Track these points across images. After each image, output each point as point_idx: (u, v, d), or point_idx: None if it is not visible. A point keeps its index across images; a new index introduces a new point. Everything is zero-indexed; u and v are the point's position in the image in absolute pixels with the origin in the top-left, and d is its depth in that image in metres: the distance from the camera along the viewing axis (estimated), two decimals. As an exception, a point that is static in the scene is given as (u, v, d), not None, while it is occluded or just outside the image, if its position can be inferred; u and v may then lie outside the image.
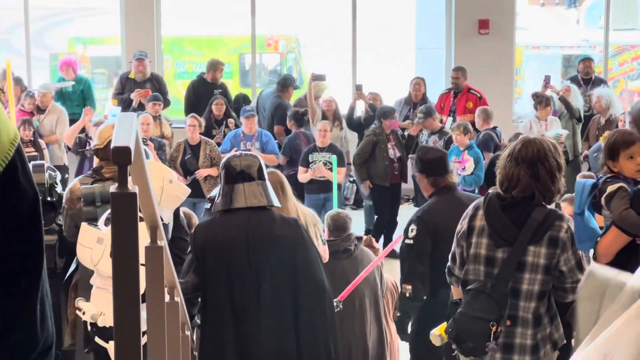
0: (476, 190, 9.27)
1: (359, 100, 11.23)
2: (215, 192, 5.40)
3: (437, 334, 5.00)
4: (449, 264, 4.83)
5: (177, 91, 13.09)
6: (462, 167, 9.37)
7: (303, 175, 9.60)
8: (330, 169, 9.36)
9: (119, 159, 1.78)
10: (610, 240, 4.72)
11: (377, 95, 11.28)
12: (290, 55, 16.26)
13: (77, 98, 11.59)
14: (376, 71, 14.10)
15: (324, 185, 9.40)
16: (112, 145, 1.80)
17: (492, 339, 4.49)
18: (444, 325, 4.85)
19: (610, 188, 4.68)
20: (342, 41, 14.43)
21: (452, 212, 5.31)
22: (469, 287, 4.59)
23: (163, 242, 2.41)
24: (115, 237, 1.79)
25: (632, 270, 2.68)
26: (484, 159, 9.59)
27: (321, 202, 9.45)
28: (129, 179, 1.81)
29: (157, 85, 11.35)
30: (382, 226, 9.83)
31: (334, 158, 8.90)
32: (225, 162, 4.93)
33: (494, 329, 4.48)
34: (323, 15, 18.80)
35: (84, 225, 4.66)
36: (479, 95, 11.10)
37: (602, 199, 4.71)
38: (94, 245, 4.62)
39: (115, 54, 13.83)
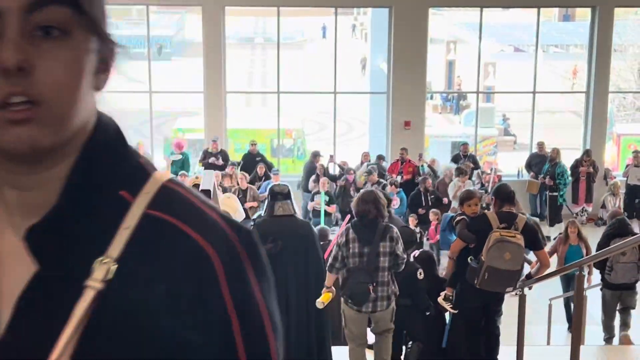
0: (401, 217, 14.86)
1: (331, 162, 16.04)
2: (257, 214, 8.42)
3: (320, 301, 6.53)
4: (330, 262, 6.45)
5: (235, 158, 16.51)
6: (394, 204, 13.68)
7: (310, 204, 14.57)
8: (326, 204, 14.30)
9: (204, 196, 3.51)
10: (456, 244, 6.83)
11: (345, 162, 16.13)
12: (299, 139, 21.84)
13: (180, 163, 15.98)
14: (345, 147, 18.63)
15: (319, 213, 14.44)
16: (200, 188, 3.15)
17: (370, 292, 6.24)
18: (327, 294, 6.48)
19: (458, 218, 6.87)
20: (326, 131, 19.45)
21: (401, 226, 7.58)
22: (352, 268, 6.29)
23: None
24: None
25: (467, 255, 6.47)
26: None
27: (318, 220, 13.70)
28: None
29: (223, 155, 15.86)
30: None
31: (326, 197, 14.83)
32: (270, 188, 7.05)
33: (370, 287, 6.23)
34: (316, 116, 25.29)
35: None
36: (415, 164, 15.76)
37: (454, 223, 6.99)
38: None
39: (201, 137, 18.26)
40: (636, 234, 8.75)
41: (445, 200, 14.43)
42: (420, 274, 7.03)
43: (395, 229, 6.40)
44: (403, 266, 6.45)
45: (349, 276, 6.37)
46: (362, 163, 15.98)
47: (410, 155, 16.21)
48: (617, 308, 9.30)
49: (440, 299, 7.00)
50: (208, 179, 2.43)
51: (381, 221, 6.35)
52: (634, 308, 9.32)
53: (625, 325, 9.24)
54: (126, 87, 30.71)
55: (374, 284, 6.27)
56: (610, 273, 9.03)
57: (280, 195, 6.88)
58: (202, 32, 17.25)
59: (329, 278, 6.56)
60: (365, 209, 6.33)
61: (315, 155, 16.31)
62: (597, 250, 8.51)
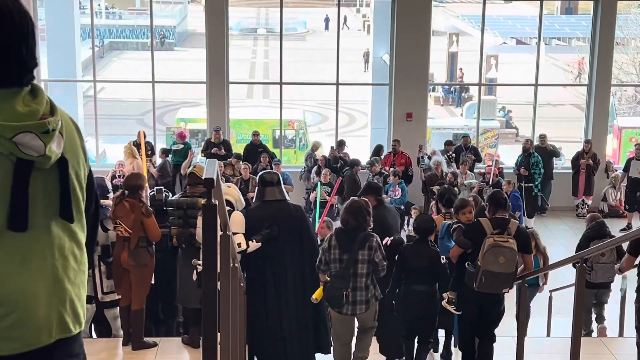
0: (402, 207, 14.37)
1: (332, 154, 15.87)
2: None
3: (314, 297, 6.96)
4: (317, 263, 6.80)
5: (237, 149, 16.85)
6: (395, 194, 14.52)
7: (312, 195, 14.59)
8: (328, 194, 14.10)
9: (208, 184, 2.40)
10: (454, 250, 7.13)
11: (346, 153, 16.12)
12: (301, 130, 21.93)
13: (182, 153, 15.85)
14: (346, 139, 18.09)
15: (322, 204, 13.74)
16: (203, 177, 2.45)
17: (344, 297, 6.62)
18: (319, 291, 6.85)
19: (455, 226, 7.27)
20: (328, 122, 19.28)
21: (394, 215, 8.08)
22: (332, 274, 6.67)
23: (229, 231, 3.17)
24: (205, 225, 2.47)
25: (465, 260, 6.73)
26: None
27: (321, 212, 12.81)
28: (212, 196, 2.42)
29: (225, 146, 15.87)
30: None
31: (327, 188, 14.63)
32: (260, 175, 7.42)
33: (345, 292, 6.61)
34: (318, 107, 25.29)
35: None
36: (407, 155, 15.92)
37: (451, 231, 7.32)
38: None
39: (203, 128, 18.59)
40: (614, 236, 9.24)
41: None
42: (443, 258, 7.26)
43: (376, 238, 6.65)
44: (384, 272, 6.74)
45: (329, 281, 6.73)
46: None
47: (411, 147, 16.23)
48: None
49: (444, 302, 7.31)
50: (211, 167, 2.45)
51: (362, 230, 6.61)
52: (607, 303, 9.93)
53: (600, 317, 9.86)
54: (129, 77, 30.92)
55: (349, 290, 6.60)
56: (590, 273, 9.41)
57: (269, 182, 7.16)
58: (205, 22, 17.26)
59: (321, 276, 6.91)
60: (345, 218, 6.68)
61: (316, 147, 16.42)
62: (576, 251, 8.92)
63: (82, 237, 2.25)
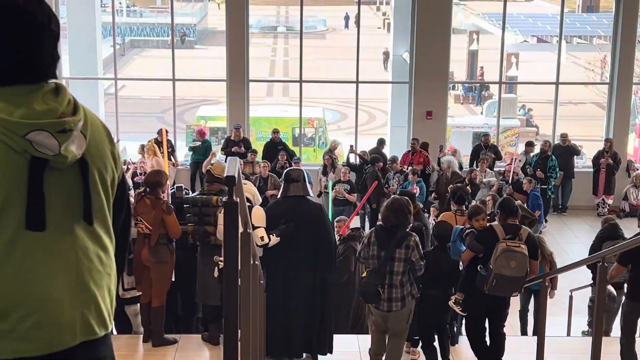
0: (421, 205, 14.94)
1: (352, 153, 16.00)
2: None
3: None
4: (357, 255, 7.20)
5: (256, 147, 16.65)
6: (414, 192, 15.22)
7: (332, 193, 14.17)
8: (348, 192, 14.19)
9: (229, 182, 2.44)
10: (466, 254, 7.28)
11: (365, 151, 15.98)
12: (320, 128, 21.87)
13: (201, 150, 16.01)
14: (366, 137, 18.67)
15: (341, 201, 14.29)
16: (225, 174, 2.50)
17: (378, 293, 6.73)
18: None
19: (468, 231, 7.36)
20: (347, 121, 19.12)
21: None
22: (369, 269, 6.84)
23: (250, 229, 3.25)
24: (226, 222, 2.53)
25: (476, 264, 7.00)
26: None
27: (340, 210, 13.59)
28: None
29: (245, 144, 15.95)
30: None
31: (347, 186, 14.47)
32: (286, 172, 7.58)
33: (379, 288, 6.75)
34: (337, 105, 25.22)
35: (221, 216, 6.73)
36: (426, 154, 15.73)
37: (464, 235, 7.40)
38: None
39: (223, 125, 18.56)
40: (627, 238, 9.19)
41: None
42: (461, 266, 7.49)
43: (414, 238, 6.77)
44: (421, 272, 6.90)
45: (365, 276, 6.85)
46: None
47: (431, 145, 16.16)
48: None
49: (451, 302, 7.47)
50: (232, 165, 2.46)
51: (401, 229, 6.72)
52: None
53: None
54: (150, 75, 31.01)
55: (384, 286, 6.70)
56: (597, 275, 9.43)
57: (294, 179, 7.25)
58: (226, 20, 17.28)
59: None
60: (386, 215, 6.80)
61: (334, 145, 16.37)
62: (590, 253, 9.09)
63: (108, 240, 2.23)
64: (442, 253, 7.65)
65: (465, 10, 38.49)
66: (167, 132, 14.09)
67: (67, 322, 2.08)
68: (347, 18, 44.12)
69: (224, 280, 2.84)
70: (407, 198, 7.16)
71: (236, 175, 2.67)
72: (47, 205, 2.04)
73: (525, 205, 11.87)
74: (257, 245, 6.96)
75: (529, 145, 16.77)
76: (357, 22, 18.74)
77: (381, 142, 16.77)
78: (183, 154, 17.88)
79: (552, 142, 17.14)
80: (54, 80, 2.13)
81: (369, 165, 15.15)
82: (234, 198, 2.65)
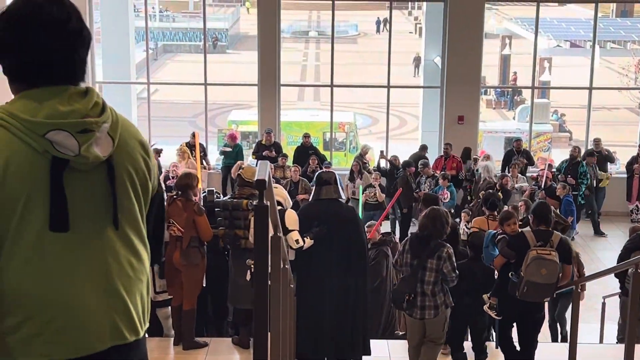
0: (452, 210, 14.10)
1: (382, 159, 15.90)
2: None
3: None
4: (393, 263, 7.44)
5: (287, 151, 16.60)
6: (443, 197, 14.24)
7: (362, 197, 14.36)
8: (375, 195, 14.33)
9: (259, 186, 2.42)
10: (498, 260, 7.38)
11: (396, 156, 15.87)
12: (351, 133, 21.89)
13: (232, 155, 15.98)
14: (397, 141, 18.75)
15: (371, 206, 14.30)
16: (255, 178, 2.45)
17: (407, 301, 6.82)
18: None
19: (499, 237, 7.53)
20: (378, 125, 19.09)
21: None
22: (402, 276, 6.96)
23: (280, 233, 3.20)
24: (256, 226, 2.52)
25: (509, 270, 7.05)
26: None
27: (370, 214, 13.71)
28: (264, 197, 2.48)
29: (276, 148, 15.87)
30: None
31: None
32: (317, 175, 7.52)
33: (407, 297, 6.83)
34: (368, 110, 25.15)
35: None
36: (459, 159, 15.64)
37: (496, 241, 7.61)
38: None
39: (254, 130, 18.65)
40: None
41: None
42: (497, 275, 7.55)
43: (447, 249, 6.76)
44: (454, 283, 6.88)
45: (397, 283, 6.98)
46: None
47: (461, 150, 16.07)
48: None
49: (485, 307, 7.53)
50: (263, 169, 2.47)
51: (436, 239, 6.75)
52: None
53: None
54: (182, 80, 31.16)
55: (413, 295, 6.74)
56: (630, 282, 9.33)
57: (326, 181, 7.17)
58: (258, 25, 17.32)
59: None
60: (423, 224, 6.83)
61: (365, 150, 16.35)
62: (618, 262, 9.03)
63: (140, 246, 2.22)
64: (477, 263, 7.74)
65: (498, 15, 38.29)
66: (198, 135, 14.09)
67: (94, 327, 2.09)
68: (378, 23, 44.08)
69: (254, 283, 2.83)
70: (444, 209, 7.19)
71: (266, 179, 2.66)
72: (72, 207, 2.04)
73: (558, 211, 11.74)
74: (292, 248, 6.98)
75: (590, 155, 16.39)
76: (389, 27, 18.69)
77: (423, 148, 16.61)
78: (215, 158, 17.94)
79: (584, 148, 16.95)
80: (85, 85, 2.14)
81: (401, 169, 15.11)
82: (265, 201, 2.65)
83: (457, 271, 6.83)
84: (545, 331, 9.80)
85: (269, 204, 2.64)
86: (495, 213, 9.29)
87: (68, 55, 2.09)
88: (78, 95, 2.09)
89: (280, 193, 7.46)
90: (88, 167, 2.07)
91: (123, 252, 2.16)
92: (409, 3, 49.57)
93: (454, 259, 6.82)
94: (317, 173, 7.72)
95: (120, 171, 2.14)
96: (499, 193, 13.94)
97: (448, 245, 6.86)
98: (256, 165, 12.17)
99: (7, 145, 1.98)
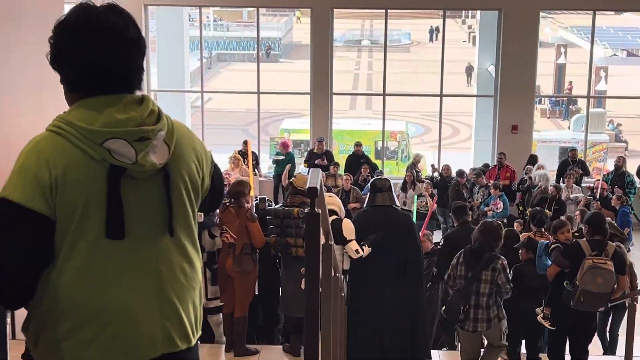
0: (505, 220, 13.66)
1: (435, 172, 16.01)
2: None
3: None
4: (445, 278, 7.16)
5: (339, 159, 16.55)
6: (496, 207, 14.14)
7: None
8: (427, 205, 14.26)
9: (311, 193, 2.49)
10: (552, 269, 7.37)
11: (448, 166, 15.74)
12: (403, 142, 21.83)
13: (284, 163, 15.94)
14: (449, 151, 18.62)
15: (423, 215, 14.03)
16: (307, 186, 2.52)
17: (461, 313, 6.85)
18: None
19: (553, 246, 7.52)
20: (430, 134, 18.96)
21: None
22: (456, 289, 6.93)
23: (331, 241, 3.42)
24: (308, 233, 2.59)
25: (562, 280, 7.03)
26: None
27: (421, 223, 13.18)
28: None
29: (328, 156, 15.82)
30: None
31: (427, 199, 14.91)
32: (372, 182, 7.73)
33: (462, 308, 6.82)
34: (420, 118, 25.04)
35: None
36: (513, 169, 15.49)
37: (549, 250, 7.60)
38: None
39: (306, 138, 18.80)
40: None
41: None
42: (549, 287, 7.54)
43: (502, 261, 6.76)
44: (508, 295, 6.86)
45: (451, 295, 6.93)
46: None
47: (515, 159, 15.93)
48: None
49: (539, 317, 7.52)
50: (315, 177, 2.48)
51: (489, 251, 6.76)
52: None
53: None
54: (235, 88, 31.37)
55: (467, 307, 6.73)
56: None
57: (381, 188, 7.24)
58: (311, 34, 17.37)
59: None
60: (475, 237, 6.86)
61: (417, 159, 16.30)
62: None
63: (194, 253, 2.23)
64: (534, 266, 7.80)
65: (553, 24, 37.81)
66: (251, 143, 14.16)
67: (146, 334, 2.10)
68: (432, 31, 43.87)
69: (306, 291, 2.84)
70: (498, 222, 7.24)
71: (318, 187, 2.65)
72: (127, 215, 2.06)
73: (614, 222, 11.54)
74: (352, 258, 6.99)
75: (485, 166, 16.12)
76: (442, 35, 18.60)
77: (486, 166, 16.39)
78: (267, 166, 18.00)
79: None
80: (141, 93, 2.16)
81: (453, 178, 15.00)
82: (316, 209, 2.67)
83: (511, 283, 6.81)
84: (595, 342, 9.62)
85: (320, 212, 2.67)
86: (543, 230, 9.29)
87: (125, 64, 2.11)
88: (134, 103, 2.12)
89: (334, 202, 7.48)
90: (144, 175, 2.09)
91: (176, 259, 2.16)
92: (463, 11, 49.27)
93: (508, 270, 6.80)
94: (371, 180, 7.75)
95: (176, 179, 2.15)
96: (553, 204, 13.80)
97: (502, 257, 6.86)
98: (308, 174, 12.21)
99: (65, 153, 2.01)
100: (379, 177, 10.04)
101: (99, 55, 2.08)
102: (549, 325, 7.48)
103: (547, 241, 7.99)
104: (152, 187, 2.11)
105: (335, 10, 17.31)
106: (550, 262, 7.48)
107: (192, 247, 2.23)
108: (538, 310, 7.59)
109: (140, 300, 2.09)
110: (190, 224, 2.21)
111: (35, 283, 2.02)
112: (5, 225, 1.98)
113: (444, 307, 7.10)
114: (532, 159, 16.18)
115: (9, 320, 3.71)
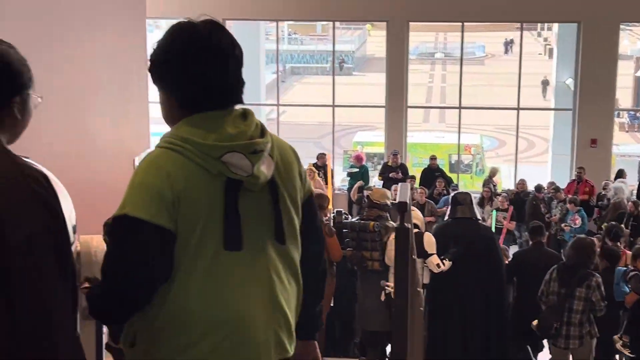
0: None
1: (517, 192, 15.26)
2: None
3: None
4: (539, 294, 7.11)
5: (413, 173, 16.34)
6: (574, 223, 13.79)
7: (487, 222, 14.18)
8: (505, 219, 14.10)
9: (400, 208, 2.62)
10: (631, 297, 7.34)
11: (523, 180, 15.40)
12: (478, 155, 21.66)
13: (358, 176, 15.67)
14: (524, 165, 18.21)
15: (500, 229, 13.81)
16: (396, 200, 2.65)
17: (554, 329, 6.88)
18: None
19: (632, 274, 7.43)
20: (505, 147, 18.60)
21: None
22: (549, 305, 7.01)
23: (415, 255, 3.77)
24: (397, 248, 2.71)
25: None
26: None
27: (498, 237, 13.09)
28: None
29: (402, 169, 15.69)
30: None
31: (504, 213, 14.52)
32: (453, 195, 7.93)
33: (555, 325, 6.86)
34: (495, 132, 24.77)
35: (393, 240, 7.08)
36: (592, 184, 15.10)
37: (627, 278, 7.50)
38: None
39: (379, 151, 18.91)
40: None
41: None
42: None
43: (596, 278, 6.75)
44: (602, 313, 6.83)
45: (544, 311, 6.90)
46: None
47: (593, 174, 15.56)
48: None
49: (618, 345, 7.37)
50: (404, 191, 2.49)
51: (583, 268, 6.73)
52: None
53: None
54: (308, 101, 31.59)
55: (560, 323, 6.70)
56: None
57: (462, 201, 7.28)
58: (386, 47, 17.38)
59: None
60: (568, 254, 6.86)
61: (494, 172, 16.13)
62: None
63: (297, 260, 2.27)
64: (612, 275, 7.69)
65: (632, 36, 37.04)
66: (330, 157, 14.18)
67: (263, 342, 2.14)
68: (507, 44, 43.38)
69: (394, 304, 2.84)
70: (591, 238, 7.19)
71: (408, 202, 2.67)
72: (243, 226, 2.10)
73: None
74: (433, 272, 6.96)
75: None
76: (520, 48, 18.40)
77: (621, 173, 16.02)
78: (340, 179, 18.02)
79: None
80: (240, 106, 2.21)
81: (530, 192, 14.77)
82: (405, 224, 2.67)
83: (605, 301, 6.74)
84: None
85: (409, 226, 2.69)
86: (619, 244, 9.15)
87: (235, 80, 2.17)
88: (239, 118, 2.18)
89: (417, 216, 7.46)
90: (257, 187, 2.13)
91: (283, 267, 2.22)
92: (538, 24, 48.61)
93: (602, 288, 6.73)
94: (452, 194, 7.79)
95: (282, 189, 2.20)
96: (631, 220, 13.41)
97: (597, 274, 6.82)
98: (382, 187, 11.98)
99: (184, 168, 2.06)
100: (460, 190, 9.94)
101: (216, 73, 2.14)
102: (629, 353, 7.31)
103: (625, 268, 7.82)
104: (261, 198, 2.16)
105: (411, 23, 17.28)
106: (628, 289, 7.35)
107: (297, 256, 2.28)
108: (616, 337, 7.44)
109: (257, 309, 2.13)
110: (295, 234, 2.26)
111: (149, 299, 2.06)
112: (129, 242, 2.02)
113: (535, 322, 7.01)
114: (619, 174, 15.79)
115: (105, 330, 3.77)
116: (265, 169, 2.13)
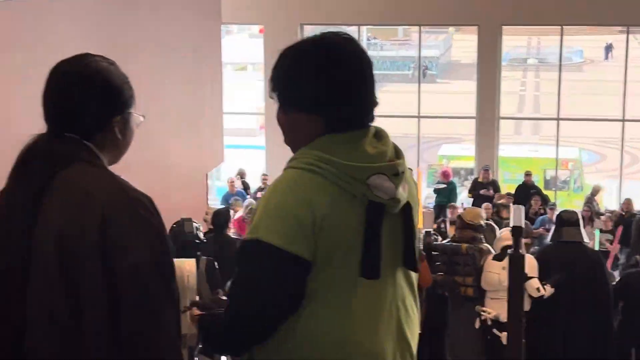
0: None
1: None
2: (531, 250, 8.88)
3: None
4: None
5: (504, 189, 16.41)
6: None
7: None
8: (610, 242, 13.79)
9: (515, 233, 2.99)
10: None
11: (630, 199, 14.96)
12: (576, 171, 21.27)
13: (446, 193, 15.96)
14: (629, 180, 17.89)
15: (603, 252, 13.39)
16: (510, 225, 2.91)
17: None
18: None
19: None
20: (606, 162, 18.19)
21: None
22: None
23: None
24: (511, 275, 3.07)
25: None
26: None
27: None
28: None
29: (494, 186, 15.66)
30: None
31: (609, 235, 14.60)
32: (558, 215, 7.66)
33: None
34: (594, 145, 24.24)
35: (492, 263, 7.01)
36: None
37: None
38: (501, 272, 6.58)
39: (466, 166, 18.94)
40: None
41: None
42: None
43: None
44: None
45: None
46: None
47: None
48: None
49: None
50: (518, 215, 2.48)
51: None
52: None
53: None
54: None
55: None
56: None
57: (568, 221, 7.12)
58: (477, 52, 17.31)
59: None
60: None
61: (596, 190, 15.93)
62: None
63: (416, 289, 2.29)
64: None
65: None
66: (421, 173, 14.17)
67: None
68: (607, 48, 42.61)
69: (509, 331, 2.84)
70: None
71: (523, 226, 2.67)
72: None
73: None
74: (532, 297, 6.89)
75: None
76: (626, 53, 18.09)
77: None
78: (424, 196, 17.93)
79: None
80: (372, 125, 2.22)
81: (637, 213, 14.61)
82: (520, 250, 2.68)
83: None
84: None
85: (524, 253, 2.69)
86: None
87: (366, 98, 2.19)
88: (373, 137, 2.17)
89: (509, 237, 7.35)
90: (396, 210, 2.13)
91: (408, 295, 2.23)
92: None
93: None
94: (558, 212, 7.82)
95: (411, 212, 2.20)
96: None
97: None
98: (472, 205, 11.84)
99: (325, 191, 2.04)
100: (567, 209, 9.79)
101: (367, 90, 2.18)
102: None
103: None
104: (396, 222, 2.15)
105: (504, 27, 17.17)
106: None
107: (416, 283, 2.30)
108: None
109: (385, 339, 2.13)
110: (417, 259, 2.26)
111: (275, 330, 2.05)
112: (261, 269, 2.03)
113: None
114: None
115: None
116: (403, 192, 2.13)
